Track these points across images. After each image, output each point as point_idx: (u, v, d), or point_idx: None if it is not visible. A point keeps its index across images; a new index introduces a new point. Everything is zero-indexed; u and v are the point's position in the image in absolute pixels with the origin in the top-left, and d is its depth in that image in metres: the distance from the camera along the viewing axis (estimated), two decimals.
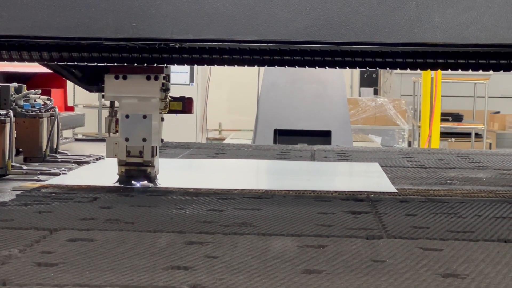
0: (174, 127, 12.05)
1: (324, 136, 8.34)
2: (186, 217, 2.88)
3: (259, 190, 3.59)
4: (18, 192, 3.44)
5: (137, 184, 3.62)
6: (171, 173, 4.38)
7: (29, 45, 3.29)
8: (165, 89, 3.60)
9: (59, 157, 4.62)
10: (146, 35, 2.98)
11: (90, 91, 3.99)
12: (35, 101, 4.69)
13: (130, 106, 3.57)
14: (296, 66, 3.28)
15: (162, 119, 3.66)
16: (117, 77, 3.55)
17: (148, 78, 3.54)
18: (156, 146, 3.62)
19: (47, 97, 4.84)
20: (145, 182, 3.62)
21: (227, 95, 15.53)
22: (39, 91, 4.80)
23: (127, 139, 3.58)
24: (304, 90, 8.62)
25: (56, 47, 3.29)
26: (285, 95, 8.58)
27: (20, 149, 4.42)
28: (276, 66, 3.29)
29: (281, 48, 3.24)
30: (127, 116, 3.57)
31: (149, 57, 3.29)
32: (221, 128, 15.84)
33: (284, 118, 8.47)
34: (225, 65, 3.29)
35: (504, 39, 2.85)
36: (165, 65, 3.50)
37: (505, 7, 2.84)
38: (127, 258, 2.21)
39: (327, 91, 8.64)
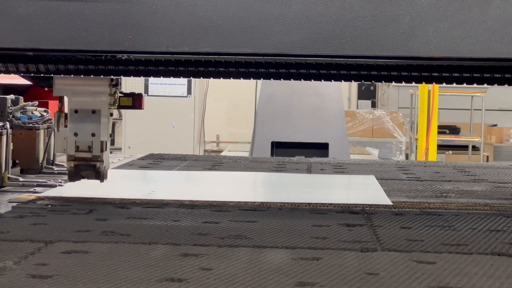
0: (172, 139, 12.07)
1: (321, 148, 8.34)
2: (181, 229, 2.89)
3: (254, 202, 3.59)
4: (14, 204, 3.44)
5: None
6: (167, 185, 4.39)
7: None
8: (115, 84, 3.61)
9: (56, 169, 4.63)
10: (142, 48, 3.00)
11: (42, 87, 3.99)
12: (32, 113, 4.70)
13: (79, 101, 3.59)
14: (292, 79, 3.29)
15: (111, 115, 3.67)
16: None
17: None
18: (106, 141, 3.62)
19: (44, 109, 4.85)
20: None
21: (225, 107, 15.55)
22: (36, 103, 4.82)
23: (76, 134, 3.59)
24: (301, 103, 8.62)
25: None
26: (283, 108, 8.59)
27: (17, 161, 4.43)
28: (271, 79, 3.30)
29: (276, 61, 3.25)
30: (76, 111, 3.58)
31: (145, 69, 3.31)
32: (219, 140, 15.85)
33: (281, 131, 8.48)
34: (221, 78, 3.30)
35: (498, 53, 2.87)
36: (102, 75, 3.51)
37: (498, 22, 2.85)
38: (121, 270, 2.21)
39: (325, 104, 8.65)
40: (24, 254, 2.38)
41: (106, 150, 3.63)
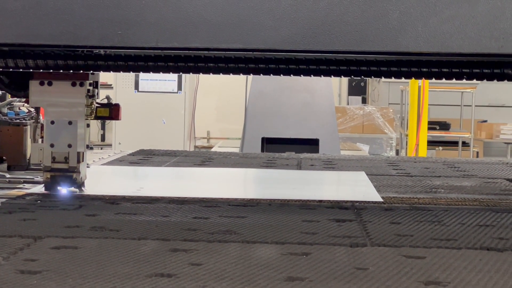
0: (162, 135, 12.06)
1: (312, 144, 8.35)
2: (171, 224, 2.89)
3: (244, 199, 3.59)
4: (3, 200, 3.43)
5: (63, 190, 3.62)
6: (156, 182, 4.37)
7: None
8: (91, 95, 3.62)
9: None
10: (132, 44, 2.99)
11: (18, 97, 3.98)
12: (19, 108, 4.65)
13: (55, 112, 3.59)
14: (281, 75, 3.29)
15: (88, 125, 3.67)
16: (42, 83, 3.56)
17: (73, 85, 3.56)
18: (82, 152, 3.62)
19: None
20: (72, 188, 3.62)
21: (215, 103, 15.55)
22: (24, 98, 4.78)
23: (52, 145, 3.59)
24: (292, 99, 8.63)
25: None
26: (273, 104, 8.59)
27: (4, 157, 4.39)
28: (261, 74, 3.30)
29: (266, 57, 3.25)
30: (52, 122, 3.58)
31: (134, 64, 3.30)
32: (209, 136, 15.85)
33: (272, 127, 8.48)
34: (211, 73, 3.30)
35: (487, 48, 2.88)
36: (91, 71, 3.51)
37: (487, 17, 2.86)
38: (110, 266, 2.21)
39: (315, 100, 8.66)
40: (13, 250, 2.37)
41: (83, 161, 3.62)
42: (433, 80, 3.33)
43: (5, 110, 4.55)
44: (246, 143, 8.44)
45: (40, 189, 3.75)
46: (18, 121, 4.52)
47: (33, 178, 4.03)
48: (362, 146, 12.06)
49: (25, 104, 4.75)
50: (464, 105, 13.59)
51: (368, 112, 13.29)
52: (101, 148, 12.03)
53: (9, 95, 4.61)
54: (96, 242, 2.54)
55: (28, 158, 4.51)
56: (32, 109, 4.71)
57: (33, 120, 4.60)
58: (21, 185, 3.88)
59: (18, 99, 4.69)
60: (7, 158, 4.42)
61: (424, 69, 3.24)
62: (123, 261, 2.26)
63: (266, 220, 3.00)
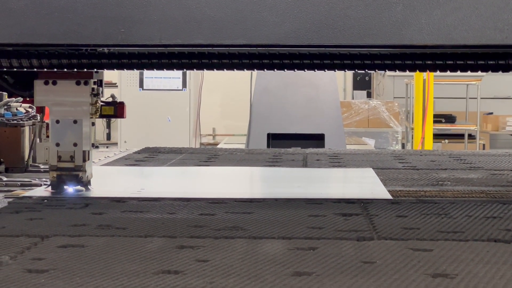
0: (167, 133, 12.07)
1: (317, 139, 8.35)
2: (177, 221, 2.89)
3: (249, 198, 3.56)
4: (10, 200, 3.44)
5: (69, 188, 3.61)
6: (158, 182, 4.35)
7: None
8: (96, 94, 3.62)
9: (42, 167, 4.47)
10: (135, 41, 2.99)
11: (23, 97, 3.98)
12: (16, 109, 4.59)
13: (60, 111, 3.59)
14: (285, 70, 3.29)
15: (93, 124, 3.67)
16: (46, 83, 3.57)
17: (78, 83, 3.56)
18: (88, 151, 3.62)
19: (29, 105, 4.74)
20: (78, 187, 3.62)
21: (220, 100, 15.55)
22: (20, 99, 4.70)
23: (58, 144, 3.59)
24: (296, 94, 8.62)
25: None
26: (278, 99, 8.59)
27: (1, 159, 4.35)
28: (265, 70, 3.30)
29: (270, 52, 3.24)
30: (57, 121, 3.59)
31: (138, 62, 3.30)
32: (215, 133, 15.85)
33: (277, 122, 8.48)
34: (215, 70, 3.29)
35: (491, 39, 2.87)
36: (95, 70, 3.51)
37: (491, 8, 2.85)
38: (118, 263, 2.21)
39: (320, 95, 8.65)
40: (21, 249, 2.37)
41: (88, 159, 3.62)
42: (438, 72, 3.32)
43: (2, 111, 4.48)
44: (252, 139, 8.44)
45: (36, 193, 3.69)
46: (15, 122, 4.45)
47: (30, 181, 3.96)
48: (367, 140, 12.05)
49: (23, 105, 4.70)
50: (469, 98, 13.57)
51: (373, 106, 13.27)
52: (107, 147, 12.05)
53: (6, 96, 4.57)
54: (103, 240, 2.54)
55: (26, 159, 4.43)
56: (30, 110, 4.66)
57: (38, 120, 4.57)
58: (18, 188, 3.83)
59: (15, 100, 4.63)
60: (5, 160, 4.35)
61: (429, 62, 3.23)
62: (130, 259, 2.26)
63: (273, 216, 3.00)
